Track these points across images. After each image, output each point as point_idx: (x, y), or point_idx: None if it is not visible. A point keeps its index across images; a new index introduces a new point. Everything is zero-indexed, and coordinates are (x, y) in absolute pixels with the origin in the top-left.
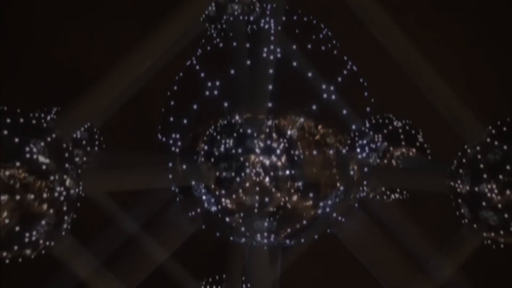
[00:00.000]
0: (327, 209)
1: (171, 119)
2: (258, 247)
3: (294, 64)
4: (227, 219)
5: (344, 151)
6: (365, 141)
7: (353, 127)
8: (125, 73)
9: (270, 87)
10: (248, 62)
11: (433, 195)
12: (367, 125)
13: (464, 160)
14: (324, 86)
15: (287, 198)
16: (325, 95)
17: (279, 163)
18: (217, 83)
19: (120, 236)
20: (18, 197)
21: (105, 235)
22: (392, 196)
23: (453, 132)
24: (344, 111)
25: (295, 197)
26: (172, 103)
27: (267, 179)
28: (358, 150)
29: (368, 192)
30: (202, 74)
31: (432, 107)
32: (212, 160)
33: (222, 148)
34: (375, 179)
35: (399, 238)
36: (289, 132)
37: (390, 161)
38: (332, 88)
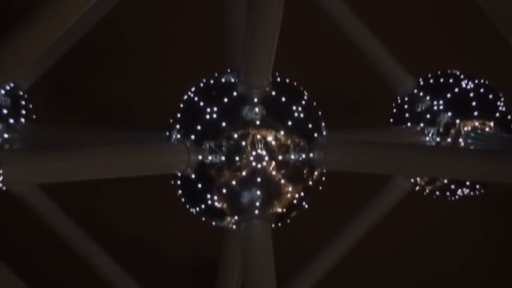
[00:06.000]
0: None
1: None
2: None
3: None
4: (215, 223)
5: None
6: (419, 110)
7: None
8: (64, 11)
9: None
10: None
11: None
12: (422, 85)
13: None
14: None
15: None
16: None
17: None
18: None
19: (63, 249)
20: None
21: (39, 248)
22: (459, 191)
23: None
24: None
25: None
26: None
27: (273, 165)
28: (409, 123)
29: (423, 186)
30: None
31: None
32: (193, 137)
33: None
34: (434, 166)
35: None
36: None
37: (456, 139)
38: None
